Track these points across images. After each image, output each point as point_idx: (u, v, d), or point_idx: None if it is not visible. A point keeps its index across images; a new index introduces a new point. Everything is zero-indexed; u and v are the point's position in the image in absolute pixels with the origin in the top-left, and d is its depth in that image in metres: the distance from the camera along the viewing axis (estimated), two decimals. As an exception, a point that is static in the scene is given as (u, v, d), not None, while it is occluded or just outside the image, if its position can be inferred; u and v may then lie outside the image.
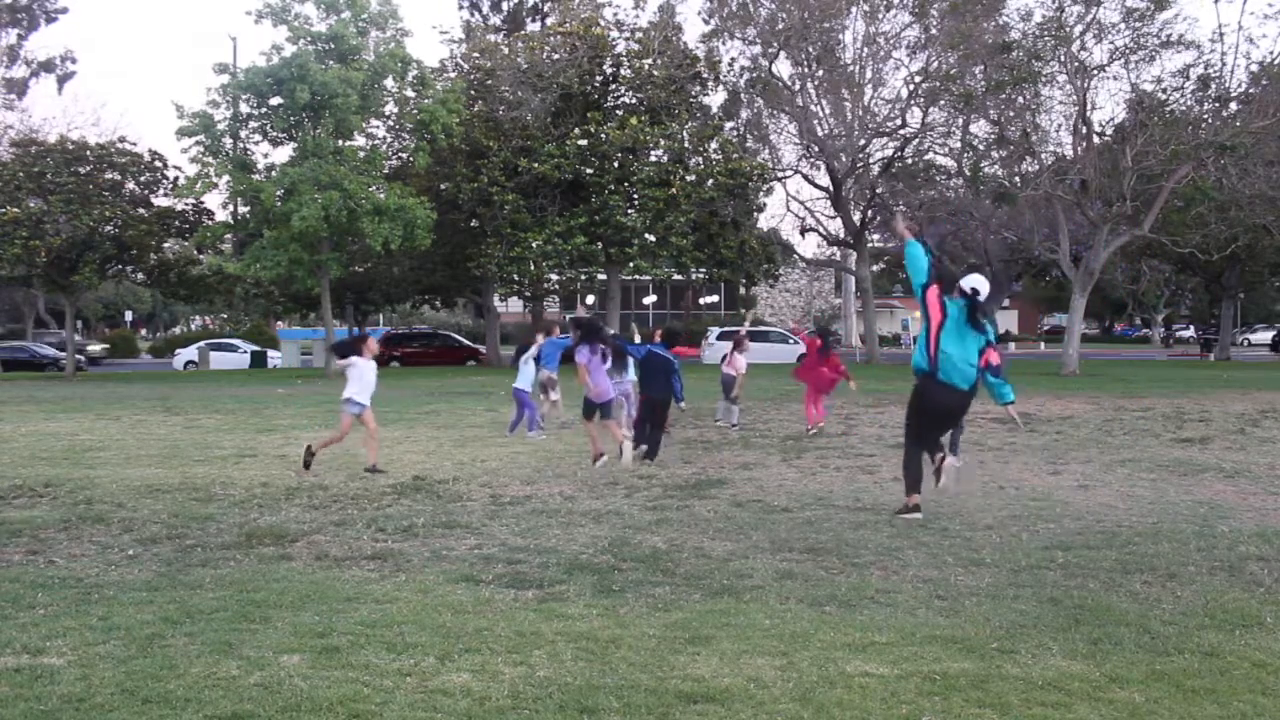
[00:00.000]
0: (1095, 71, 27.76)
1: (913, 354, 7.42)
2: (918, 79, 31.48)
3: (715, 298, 71.49)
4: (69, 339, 35.14)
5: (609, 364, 10.47)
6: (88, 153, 30.44)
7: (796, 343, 41.30)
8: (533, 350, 13.20)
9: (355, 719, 3.71)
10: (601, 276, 37.91)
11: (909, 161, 35.02)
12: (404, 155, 33.04)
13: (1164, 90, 28.44)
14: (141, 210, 30.84)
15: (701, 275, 39.82)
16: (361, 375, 9.98)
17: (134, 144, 31.56)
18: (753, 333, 17.02)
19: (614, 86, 34.06)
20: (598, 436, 10.16)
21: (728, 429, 13.66)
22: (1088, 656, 4.36)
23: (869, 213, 36.46)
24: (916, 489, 7.37)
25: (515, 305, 54.73)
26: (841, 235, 36.99)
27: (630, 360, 12.37)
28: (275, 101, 28.18)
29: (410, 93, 30.43)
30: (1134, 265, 36.52)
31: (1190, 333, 61.24)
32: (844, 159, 33.04)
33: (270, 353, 40.97)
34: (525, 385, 13.10)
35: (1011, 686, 4.01)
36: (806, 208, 37.75)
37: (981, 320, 7.08)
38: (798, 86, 33.73)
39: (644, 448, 10.40)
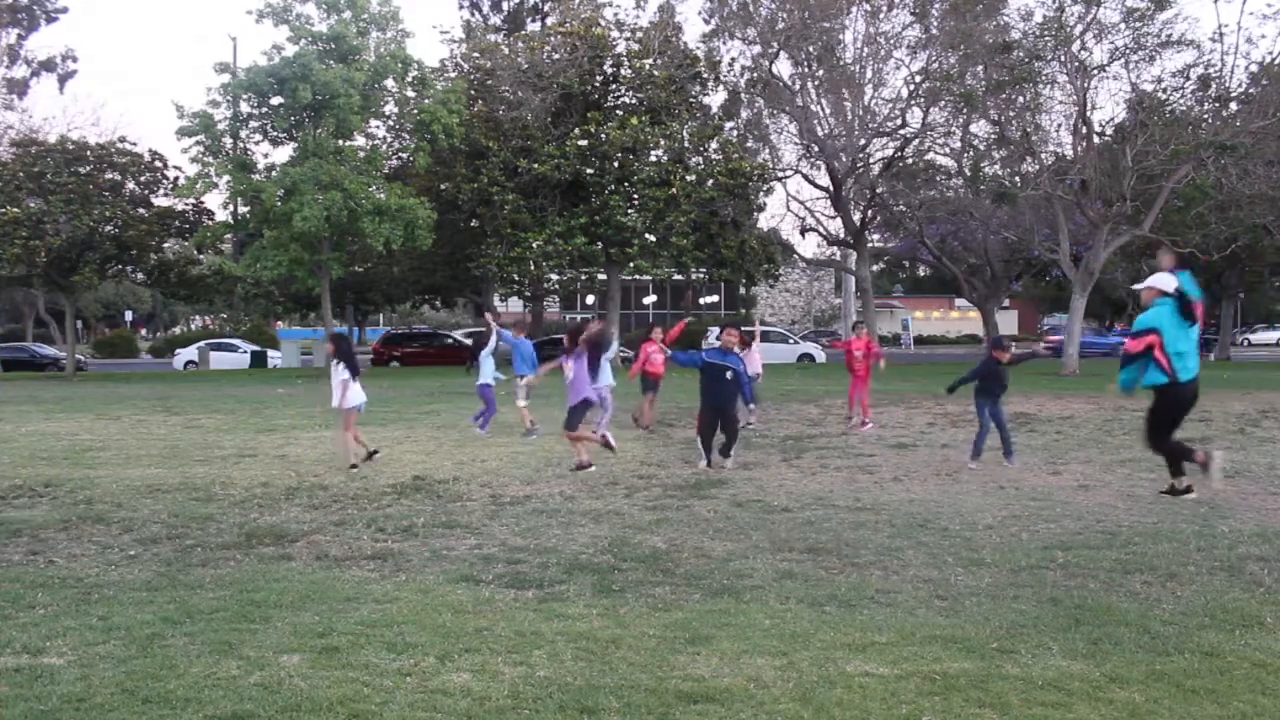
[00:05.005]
0: (1095, 71, 27.73)
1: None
2: (918, 79, 31.43)
3: (715, 298, 71.51)
4: (70, 338, 35.15)
5: (588, 365, 10.30)
6: (88, 153, 30.43)
7: (797, 342, 41.40)
8: (491, 344, 13.28)
9: (355, 719, 3.71)
10: (602, 276, 37.89)
11: (909, 161, 34.96)
12: (404, 155, 33.03)
13: (1164, 90, 28.42)
14: (141, 210, 30.84)
15: (701, 275, 39.81)
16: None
17: (134, 144, 31.56)
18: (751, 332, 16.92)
19: (614, 86, 34.02)
20: (582, 445, 9.92)
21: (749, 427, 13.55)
22: (1088, 656, 4.36)
23: (869, 213, 36.42)
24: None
25: (515, 305, 54.80)
26: (841, 235, 36.95)
27: (606, 363, 12.31)
28: (276, 101, 28.19)
29: (410, 93, 30.43)
30: (1134, 265, 36.47)
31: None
32: (844, 159, 32.97)
33: (270, 353, 40.98)
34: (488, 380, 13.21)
35: (1011, 686, 4.01)
36: (806, 208, 37.70)
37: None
38: (798, 86, 33.67)
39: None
